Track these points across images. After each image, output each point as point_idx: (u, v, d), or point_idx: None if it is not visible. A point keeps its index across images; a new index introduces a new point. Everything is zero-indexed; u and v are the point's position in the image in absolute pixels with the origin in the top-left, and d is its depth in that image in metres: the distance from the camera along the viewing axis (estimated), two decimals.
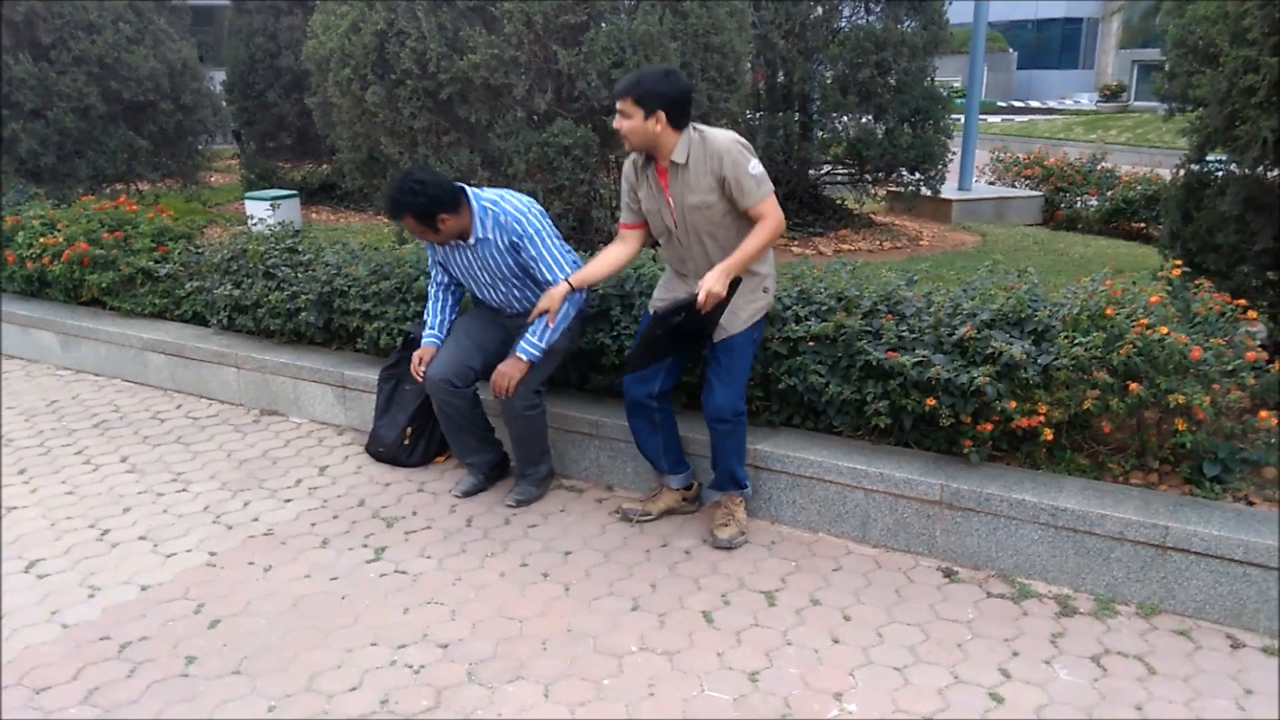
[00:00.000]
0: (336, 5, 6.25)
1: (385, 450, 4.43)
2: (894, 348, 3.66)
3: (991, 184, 11.75)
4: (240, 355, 5.17)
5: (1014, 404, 3.42)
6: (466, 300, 4.29)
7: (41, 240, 6.16)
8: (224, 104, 10.42)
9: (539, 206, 3.93)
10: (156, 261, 5.83)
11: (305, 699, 2.83)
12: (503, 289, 3.98)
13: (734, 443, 3.64)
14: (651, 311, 3.70)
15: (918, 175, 9.13)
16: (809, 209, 9.38)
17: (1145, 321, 3.42)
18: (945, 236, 9.28)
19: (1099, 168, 10.97)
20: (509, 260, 3.87)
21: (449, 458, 4.50)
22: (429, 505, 4.07)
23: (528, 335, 3.82)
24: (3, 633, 3.18)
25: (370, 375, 4.67)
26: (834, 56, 8.75)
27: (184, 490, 4.25)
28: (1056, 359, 3.38)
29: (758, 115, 8.99)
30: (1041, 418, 3.42)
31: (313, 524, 3.92)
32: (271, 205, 7.57)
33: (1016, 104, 31.00)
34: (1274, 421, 3.47)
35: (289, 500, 4.14)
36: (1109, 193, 10.19)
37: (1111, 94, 28.81)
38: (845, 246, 8.50)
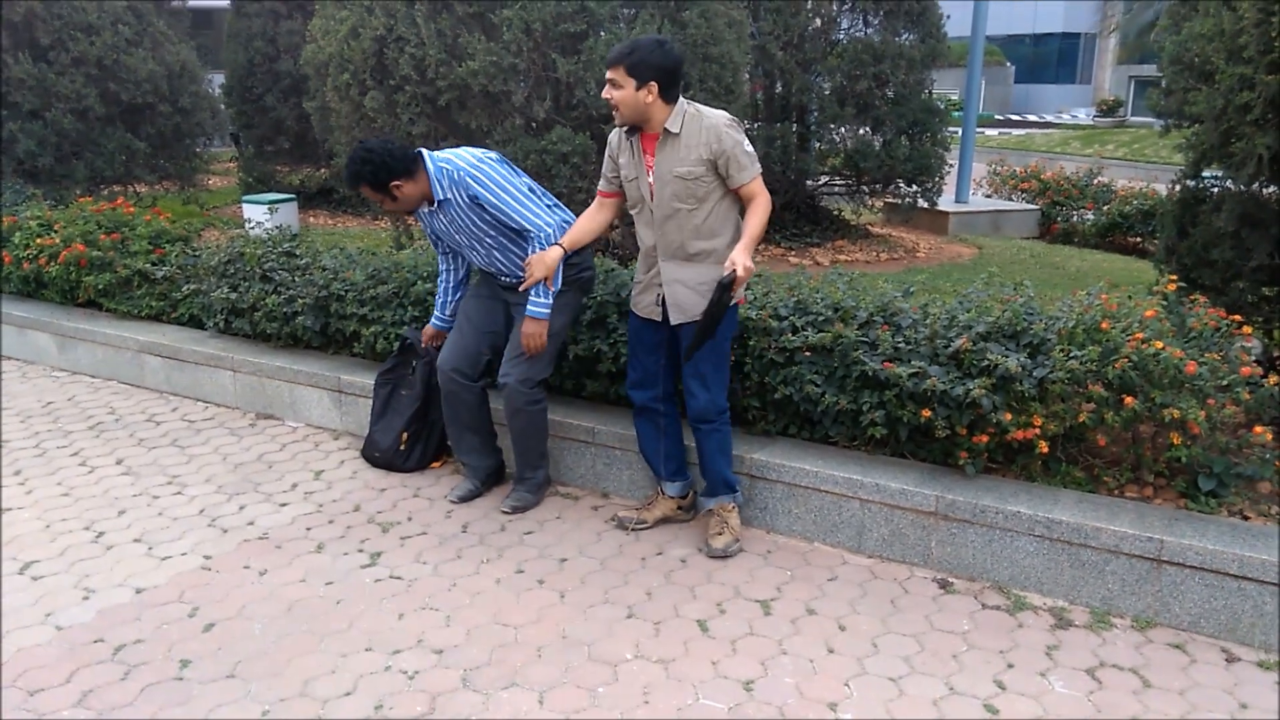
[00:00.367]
0: (336, 10, 6.26)
1: (381, 455, 4.42)
2: (890, 359, 3.67)
3: (988, 197, 11.79)
4: (237, 359, 5.17)
5: (1009, 416, 3.43)
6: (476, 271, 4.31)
7: (38, 241, 6.15)
8: (222, 107, 10.42)
9: (497, 156, 3.89)
10: (154, 264, 5.83)
11: (299, 703, 2.83)
12: (486, 249, 3.92)
13: (718, 441, 3.64)
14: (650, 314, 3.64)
15: (914, 187, 9.16)
16: (806, 220, 9.41)
17: (1140, 336, 3.44)
18: (942, 249, 9.31)
19: (1095, 182, 11.01)
20: (476, 217, 3.83)
21: (444, 463, 4.50)
22: (425, 511, 4.07)
23: (531, 298, 3.75)
24: (0, 634, 3.18)
25: (366, 380, 4.67)
26: (832, 68, 8.79)
27: (179, 493, 4.24)
28: (1052, 372, 3.39)
29: (756, 126, 9.02)
30: (1037, 430, 3.44)
31: (308, 528, 3.92)
32: (269, 209, 7.57)
33: (1014, 117, 31.12)
34: (1269, 437, 3.49)
35: (284, 504, 4.13)
36: (1105, 207, 10.23)
37: (1108, 109, 28.94)
38: (842, 257, 8.53)
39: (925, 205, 9.44)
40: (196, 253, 5.79)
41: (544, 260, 3.63)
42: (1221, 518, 3.33)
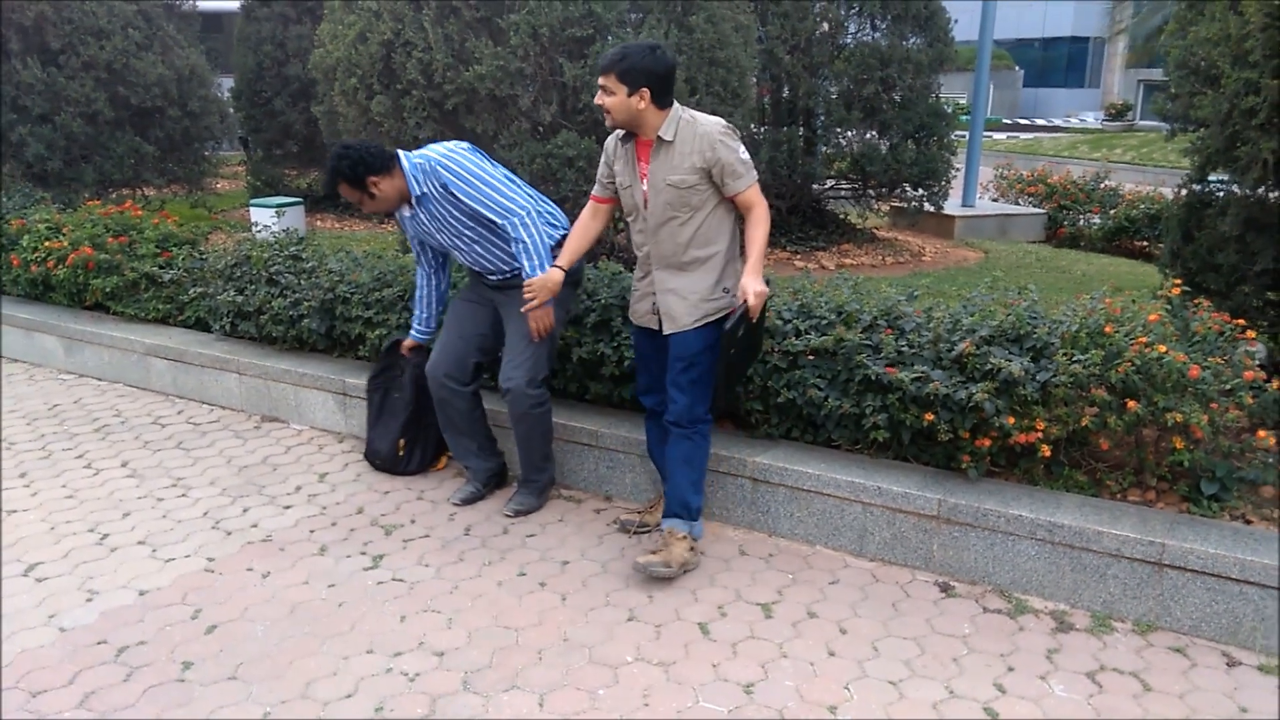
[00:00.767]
0: (344, 15, 6.28)
1: (381, 461, 4.43)
2: (893, 363, 3.67)
3: (995, 201, 11.77)
4: (242, 361, 5.19)
5: (1012, 420, 3.43)
6: (457, 278, 4.34)
7: (47, 244, 6.19)
8: (231, 111, 10.46)
9: (468, 146, 3.88)
10: (161, 267, 5.86)
11: (301, 705, 2.84)
12: (468, 243, 3.89)
13: (686, 451, 3.53)
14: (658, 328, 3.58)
15: (921, 191, 9.13)
16: (812, 223, 9.40)
17: (1144, 340, 3.43)
18: (948, 253, 9.29)
19: (1102, 186, 10.99)
20: (454, 211, 3.82)
21: (447, 463, 4.51)
22: (428, 513, 4.08)
23: (530, 272, 3.74)
24: (2, 635, 3.19)
25: None
26: (839, 72, 8.78)
27: (184, 496, 4.26)
28: (1055, 376, 3.39)
29: (762, 129, 9.01)
30: (1039, 434, 3.43)
31: (311, 531, 3.93)
32: (276, 212, 7.60)
33: (1022, 121, 31.08)
34: (1272, 441, 3.48)
35: (288, 507, 4.15)
36: (1112, 211, 10.20)
37: (1117, 113, 28.88)
38: (848, 261, 8.52)
39: (931, 209, 9.42)
40: (203, 256, 5.81)
41: (545, 284, 3.62)
42: (1224, 522, 3.32)
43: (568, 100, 5.95)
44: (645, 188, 3.42)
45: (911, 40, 8.91)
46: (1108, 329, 3.54)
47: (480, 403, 4.11)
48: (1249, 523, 3.34)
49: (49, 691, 2.90)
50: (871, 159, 8.80)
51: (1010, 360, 3.43)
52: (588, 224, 3.70)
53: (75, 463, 4.61)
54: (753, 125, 8.59)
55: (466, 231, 3.86)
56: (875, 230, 9.98)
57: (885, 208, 10.18)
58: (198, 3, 10.21)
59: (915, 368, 3.59)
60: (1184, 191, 4.64)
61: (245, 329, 5.37)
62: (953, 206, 10.31)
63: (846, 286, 4.24)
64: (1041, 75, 35.60)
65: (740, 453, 3.89)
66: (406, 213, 3.94)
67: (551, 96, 5.91)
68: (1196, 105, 4.09)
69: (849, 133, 9.07)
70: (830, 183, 9.64)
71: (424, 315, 4.26)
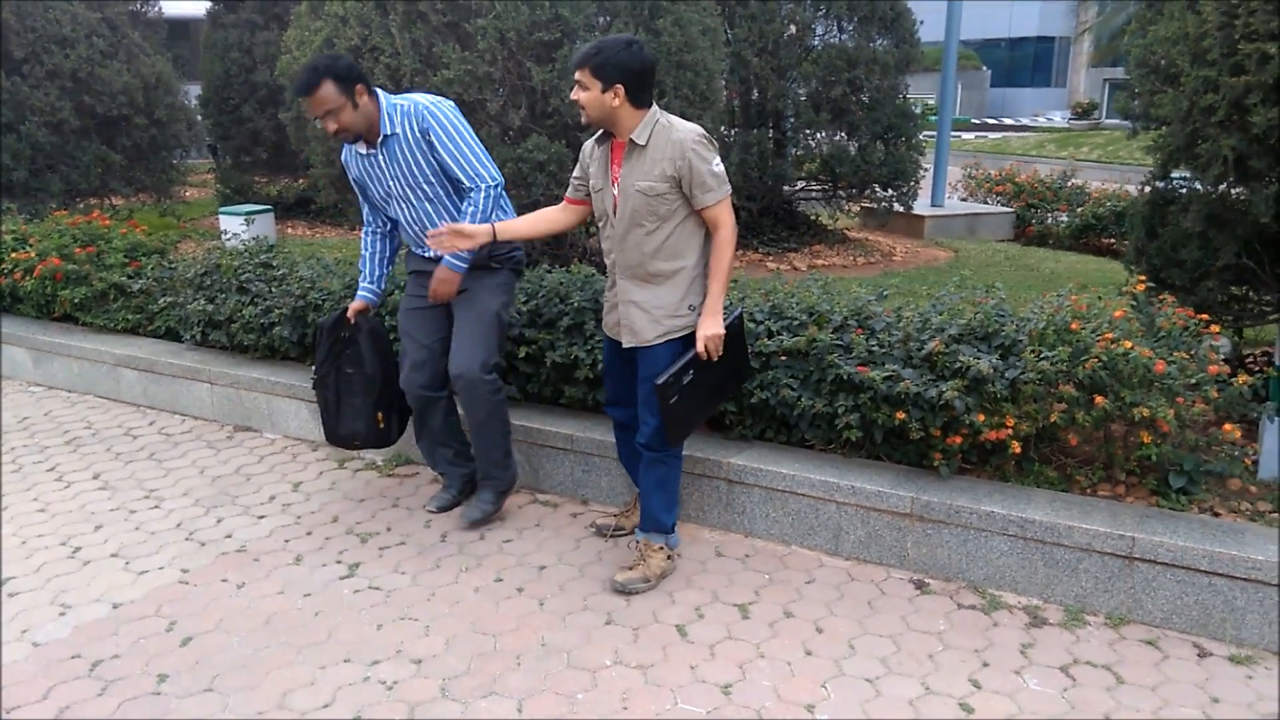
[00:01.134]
0: (311, 21, 6.26)
1: (363, 440, 4.11)
2: (864, 362, 3.70)
3: (964, 200, 11.87)
4: (214, 371, 5.15)
5: (982, 417, 3.47)
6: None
7: (13, 256, 6.12)
8: (199, 118, 10.39)
9: (454, 105, 3.77)
10: (130, 277, 5.81)
11: (278, 716, 2.83)
12: (419, 201, 3.75)
13: (659, 475, 3.47)
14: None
15: (890, 192, 9.22)
16: (784, 225, 9.45)
17: (1110, 336, 3.48)
18: (918, 252, 9.37)
19: (1069, 184, 11.11)
20: (423, 160, 3.67)
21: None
22: (403, 521, 4.07)
23: (450, 256, 3.68)
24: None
25: None
26: (807, 74, 8.85)
27: (156, 507, 4.22)
28: (1023, 373, 3.43)
29: (732, 132, 9.06)
30: (1009, 431, 3.47)
31: (286, 540, 3.91)
32: (246, 220, 7.55)
33: (990, 121, 31.36)
34: (1238, 434, 3.53)
35: (262, 517, 4.13)
36: (1079, 209, 10.32)
37: (1083, 112, 29.21)
38: (819, 262, 8.57)
39: (901, 209, 9.50)
40: (173, 265, 5.77)
41: (465, 233, 3.41)
42: (1192, 515, 3.37)
43: (537, 104, 5.96)
44: (615, 192, 3.29)
45: (878, 42, 9.00)
46: (1074, 326, 3.59)
47: (455, 408, 4.08)
48: (1217, 515, 3.39)
49: (23, 707, 2.87)
50: (841, 160, 8.87)
51: (979, 358, 3.47)
52: (550, 214, 3.59)
53: (46, 475, 4.56)
54: (722, 128, 8.63)
55: (424, 185, 3.72)
56: (846, 231, 10.04)
57: (855, 208, 10.26)
58: (163, 10, 10.13)
59: (886, 367, 3.62)
60: (1147, 189, 4.71)
61: (216, 338, 5.33)
62: (922, 206, 10.39)
63: (817, 287, 4.27)
64: (1008, 75, 35.95)
65: (715, 454, 3.91)
66: (363, 150, 3.74)
67: (520, 100, 5.92)
68: (1157, 103, 4.16)
69: (818, 134, 9.14)
70: (801, 184, 9.70)
71: (373, 275, 4.06)
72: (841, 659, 3.09)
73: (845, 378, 3.71)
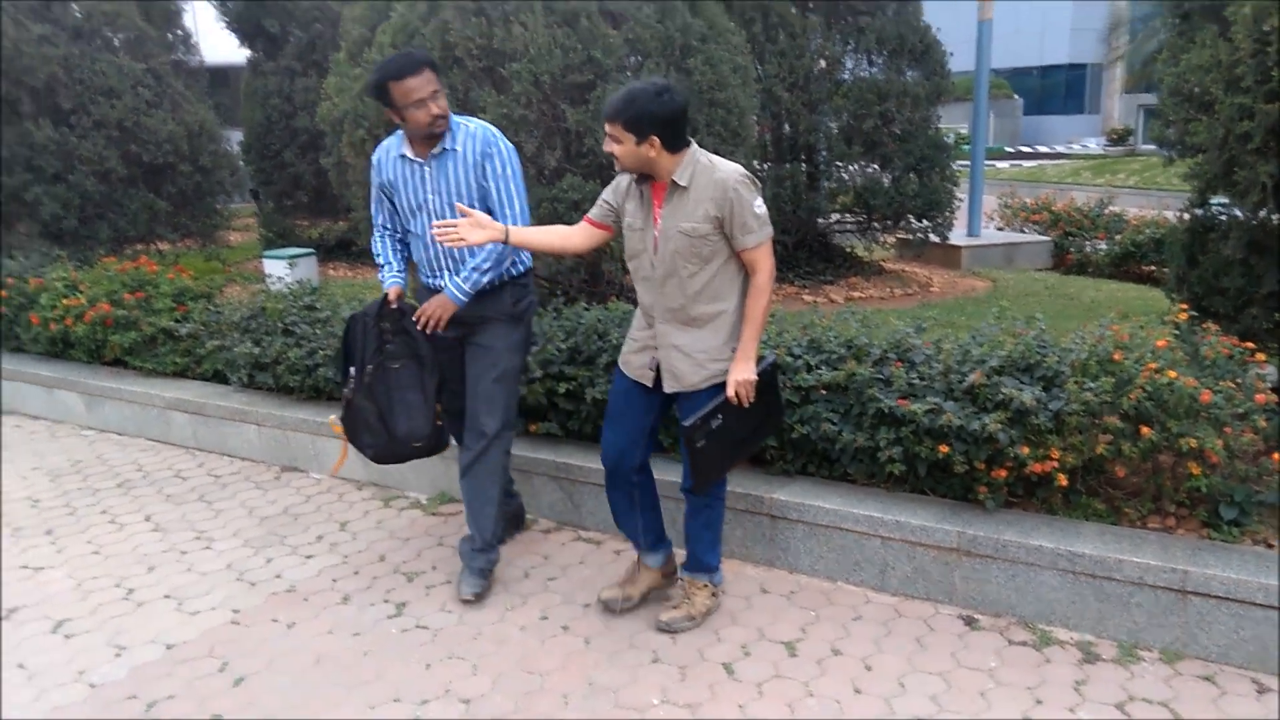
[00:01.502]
0: (350, 68, 6.39)
1: (422, 441, 3.75)
2: (905, 395, 3.69)
3: (1000, 229, 11.83)
4: (261, 412, 5.24)
5: (1027, 450, 3.45)
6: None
7: (65, 302, 6.27)
8: (241, 164, 10.60)
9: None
10: (177, 321, 5.93)
11: None
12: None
13: (706, 519, 3.47)
14: (634, 379, 3.40)
15: (925, 222, 9.22)
16: (819, 257, 9.47)
17: (1154, 366, 3.46)
18: (955, 283, 9.34)
19: (1107, 211, 11.04)
20: (475, 183, 3.58)
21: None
22: (449, 559, 4.10)
23: (456, 281, 3.58)
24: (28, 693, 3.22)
25: None
26: (838, 108, 8.89)
27: (207, 548, 4.29)
28: (1067, 404, 3.41)
29: (765, 166, 9.11)
30: (1055, 463, 3.45)
31: (334, 580, 3.96)
32: (289, 263, 7.68)
33: (1024, 149, 31.24)
34: None
35: (310, 556, 4.18)
36: (1117, 236, 10.25)
37: (1119, 138, 29.02)
38: (856, 294, 8.57)
39: (937, 240, 9.49)
40: (219, 309, 5.89)
41: (481, 224, 3.27)
42: (1245, 546, 3.32)
43: (571, 145, 6.03)
44: (657, 233, 3.22)
45: (909, 74, 9.03)
46: (1116, 356, 3.57)
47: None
48: (1270, 546, 3.34)
49: None
50: (874, 192, 8.89)
51: (1022, 390, 3.46)
52: (566, 231, 3.46)
53: (100, 518, 4.65)
54: (755, 162, 8.68)
55: (467, 203, 3.59)
56: (882, 263, 10.03)
57: (891, 240, 10.27)
58: (204, 59, 10.36)
59: (927, 400, 3.61)
60: (1186, 216, 4.69)
61: (262, 380, 5.42)
62: (958, 236, 10.37)
63: (855, 320, 4.28)
64: (1041, 103, 35.87)
65: (757, 489, 3.91)
66: (409, 155, 3.61)
67: (555, 142, 6.00)
68: (1192, 131, 4.15)
69: (851, 167, 9.17)
70: (835, 217, 9.72)
71: (400, 266, 3.83)
72: (892, 697, 3.06)
73: (886, 411, 3.70)
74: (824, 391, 3.89)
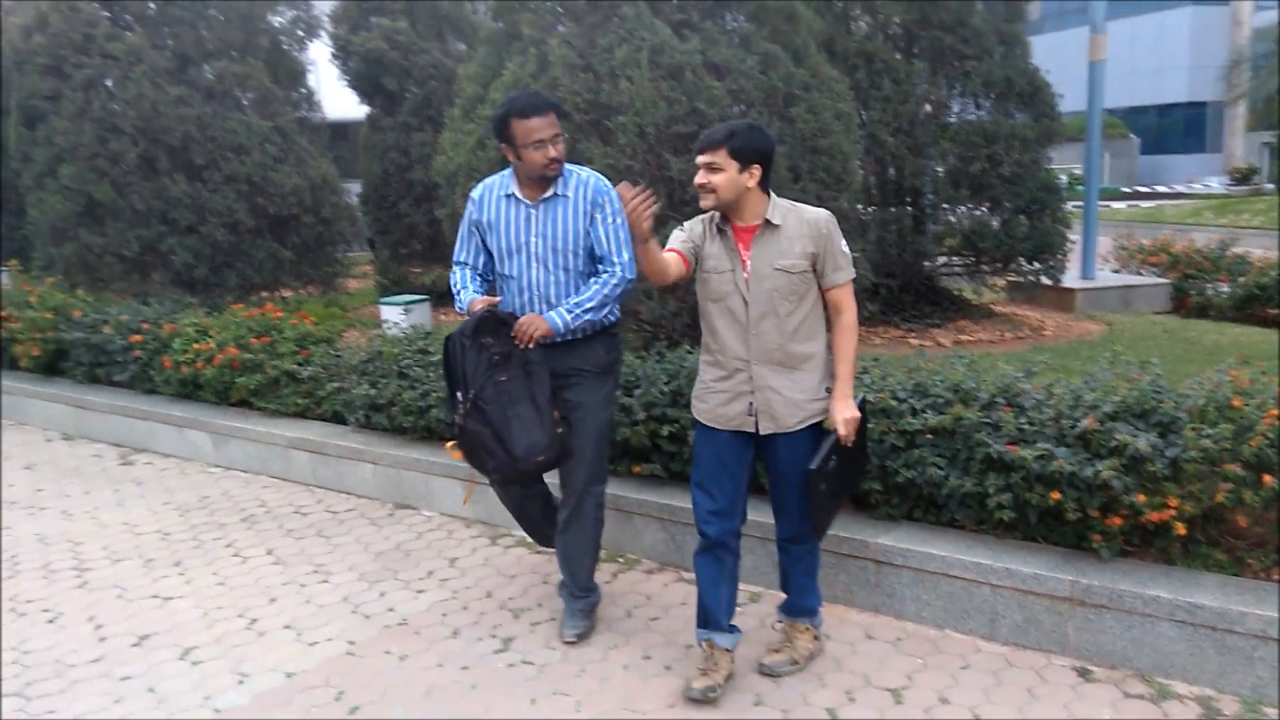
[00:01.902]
0: (464, 124, 6.65)
1: (544, 452, 3.54)
2: (1014, 440, 3.64)
3: (1116, 272, 11.50)
4: (376, 452, 5.44)
5: (1143, 498, 3.36)
6: None
7: (195, 346, 6.62)
8: (360, 215, 11.04)
9: None
10: (299, 364, 6.21)
11: None
12: (552, 269, 3.58)
13: (808, 565, 3.49)
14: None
15: (1037, 265, 9.04)
16: (925, 300, 9.35)
17: (1276, 412, 3.34)
18: (1069, 326, 9.10)
19: (1229, 253, 10.63)
20: (582, 230, 3.56)
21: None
22: (553, 597, 4.16)
23: (560, 310, 3.52)
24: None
25: None
26: (944, 151, 8.83)
27: (325, 581, 4.46)
28: (1184, 451, 3.32)
29: (870, 210, 9.08)
30: (1173, 512, 3.35)
31: (444, 614, 4.07)
32: (404, 309, 7.96)
33: (1142, 189, 30.34)
34: None
35: (422, 591, 4.30)
36: (1241, 279, 9.86)
37: (1242, 177, 27.97)
38: (965, 338, 8.42)
39: (1049, 283, 9.29)
40: (338, 353, 6.14)
41: (637, 199, 3.17)
42: None
43: (674, 193, 6.15)
44: (747, 274, 3.21)
45: (1017, 116, 8.92)
46: (1236, 402, 3.46)
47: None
48: None
49: None
50: (983, 235, 8.77)
51: (1136, 436, 3.38)
52: (670, 258, 3.31)
53: (225, 551, 4.88)
54: (859, 206, 8.67)
55: (569, 254, 3.58)
56: (992, 306, 9.85)
57: (1001, 283, 10.08)
58: (326, 115, 10.88)
59: (1038, 445, 3.55)
60: None
61: (378, 421, 5.63)
62: (1072, 279, 10.12)
63: (962, 364, 4.24)
64: (1158, 142, 34.83)
65: (862, 534, 3.89)
66: (519, 195, 3.59)
67: (659, 190, 6.12)
68: None
69: (958, 209, 9.08)
70: (942, 259, 9.61)
71: (474, 287, 3.75)
72: None
73: (995, 456, 3.65)
74: (930, 436, 3.86)
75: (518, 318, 3.52)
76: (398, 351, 5.55)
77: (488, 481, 3.85)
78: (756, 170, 3.16)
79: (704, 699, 3.30)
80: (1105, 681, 3.33)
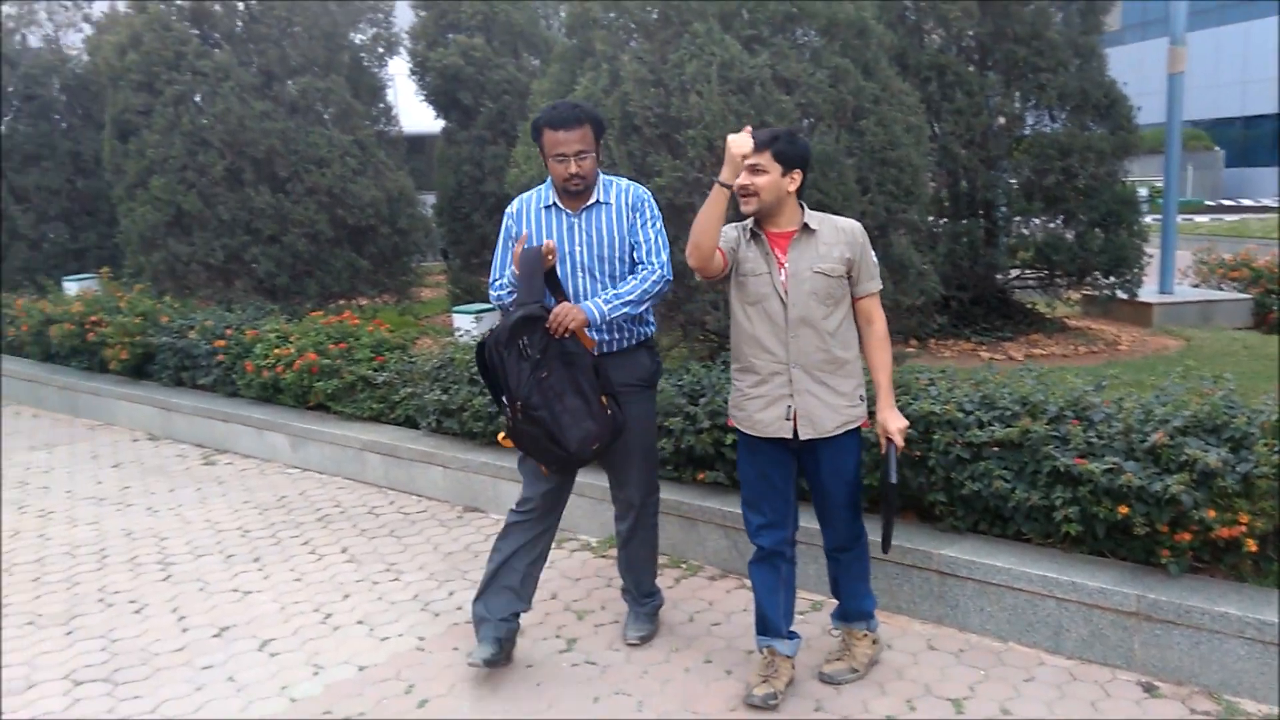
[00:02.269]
0: None
1: (597, 436, 3.46)
2: (1082, 454, 3.61)
3: (1195, 286, 11.22)
4: (447, 455, 5.58)
5: (1213, 513, 3.31)
6: None
7: (276, 351, 6.85)
8: (434, 226, 11.28)
9: None
10: (375, 370, 6.39)
11: None
12: (601, 281, 3.57)
13: (860, 570, 3.50)
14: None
15: (1113, 279, 8.89)
16: (997, 314, 9.25)
17: None
18: (1146, 341, 8.92)
19: None
20: (625, 231, 3.58)
21: None
22: (616, 600, 4.23)
23: (597, 301, 3.48)
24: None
25: None
26: (1018, 164, 8.74)
27: (396, 580, 4.59)
28: (1256, 467, 3.27)
29: (941, 222, 9.02)
30: (1244, 528, 3.30)
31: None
32: (475, 317, 8.12)
33: (1226, 203, 29.47)
34: None
35: None
36: None
37: None
38: (1037, 351, 8.32)
39: (1125, 297, 9.12)
40: (412, 359, 6.31)
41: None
42: None
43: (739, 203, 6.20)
44: (784, 277, 3.23)
45: (1093, 129, 8.80)
46: None
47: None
48: None
49: None
50: (1056, 248, 8.66)
51: (1207, 451, 3.34)
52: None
53: (301, 549, 5.05)
54: (930, 218, 8.62)
55: (614, 261, 3.58)
56: (1065, 319, 9.70)
57: (1076, 296, 9.92)
58: (403, 128, 11.14)
59: (1106, 459, 3.52)
60: None
61: (449, 425, 5.77)
62: (1149, 293, 9.92)
63: (1031, 377, 4.21)
64: (1245, 154, 33.80)
65: (925, 545, 3.89)
66: (561, 205, 3.58)
67: (727, 202, 6.17)
68: None
69: (1032, 222, 8.98)
70: (1015, 272, 9.50)
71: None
72: None
73: (1062, 470, 3.63)
74: (996, 448, 3.85)
75: (535, 309, 3.40)
76: (469, 359, 5.69)
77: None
78: (797, 175, 3.22)
79: (764, 706, 3.33)
80: (1171, 697, 3.29)
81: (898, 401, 4.00)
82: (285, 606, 4.35)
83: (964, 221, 8.90)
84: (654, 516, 3.89)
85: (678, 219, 6.25)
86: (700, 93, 5.65)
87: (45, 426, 8.18)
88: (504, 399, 3.46)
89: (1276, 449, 3.28)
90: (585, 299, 3.54)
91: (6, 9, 11.90)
